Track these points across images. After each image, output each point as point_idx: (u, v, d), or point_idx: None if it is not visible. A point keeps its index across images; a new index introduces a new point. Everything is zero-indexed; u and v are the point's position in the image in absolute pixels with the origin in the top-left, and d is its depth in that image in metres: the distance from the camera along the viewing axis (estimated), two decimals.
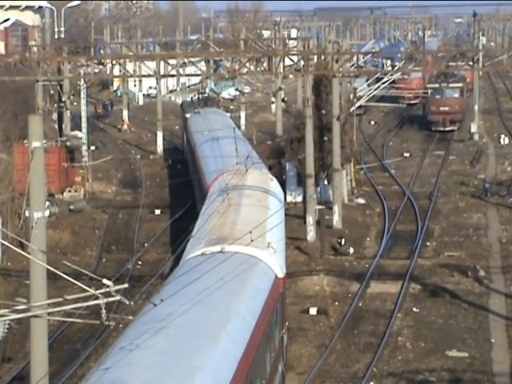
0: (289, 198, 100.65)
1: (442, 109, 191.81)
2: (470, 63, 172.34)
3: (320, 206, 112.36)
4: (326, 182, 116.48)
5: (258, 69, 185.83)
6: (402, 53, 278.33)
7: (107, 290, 44.46)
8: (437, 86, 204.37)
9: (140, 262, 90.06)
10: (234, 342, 39.90)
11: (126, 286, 42.62)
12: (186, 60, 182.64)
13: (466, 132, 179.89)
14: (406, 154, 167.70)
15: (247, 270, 50.04)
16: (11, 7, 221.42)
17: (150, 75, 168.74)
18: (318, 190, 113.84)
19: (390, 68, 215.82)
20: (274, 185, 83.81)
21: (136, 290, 62.53)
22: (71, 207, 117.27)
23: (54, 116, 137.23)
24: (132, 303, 43.32)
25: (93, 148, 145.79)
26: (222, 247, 53.71)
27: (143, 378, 33.24)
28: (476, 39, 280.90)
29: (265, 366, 46.68)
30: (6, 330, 73.78)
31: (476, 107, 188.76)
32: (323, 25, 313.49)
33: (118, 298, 44.04)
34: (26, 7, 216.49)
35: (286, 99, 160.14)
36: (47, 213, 57.80)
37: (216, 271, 48.46)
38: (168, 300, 44.09)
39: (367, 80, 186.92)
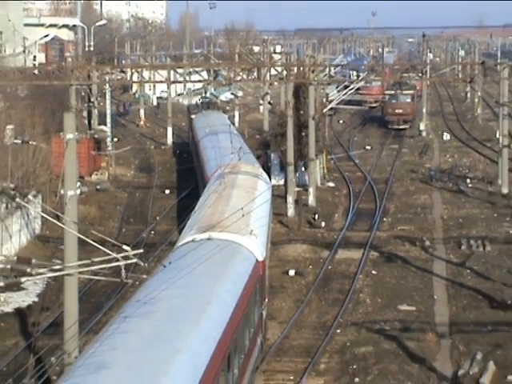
0: (273, 182, 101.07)
1: (396, 111, 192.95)
2: (420, 74, 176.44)
3: (298, 188, 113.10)
4: (303, 169, 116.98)
5: (249, 77, 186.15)
6: (365, 65, 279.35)
7: (126, 254, 44.94)
8: (393, 92, 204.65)
9: (153, 232, 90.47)
10: (214, 324, 39.68)
11: (141, 251, 43.30)
12: (191, 69, 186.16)
13: (415, 130, 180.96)
14: (368, 147, 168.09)
15: (230, 256, 50.27)
16: (51, 25, 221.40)
17: (162, 81, 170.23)
18: (297, 175, 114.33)
19: (355, 77, 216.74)
20: (260, 179, 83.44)
21: (149, 254, 62.67)
22: (98, 187, 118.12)
23: (85, 113, 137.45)
24: (146, 265, 43.94)
25: (115, 140, 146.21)
26: (210, 235, 53.73)
27: (125, 363, 31.82)
28: (424, 55, 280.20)
29: (244, 342, 46.60)
30: (44, 286, 74.06)
31: (424, 110, 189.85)
32: (302, 42, 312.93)
33: (134, 260, 44.54)
34: (63, 25, 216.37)
35: (271, 102, 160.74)
36: (78, 191, 58.18)
37: (202, 257, 48.39)
38: (156, 285, 44.82)
39: (337, 87, 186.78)
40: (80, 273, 55.00)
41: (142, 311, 39.14)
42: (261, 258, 53.99)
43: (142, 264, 44.26)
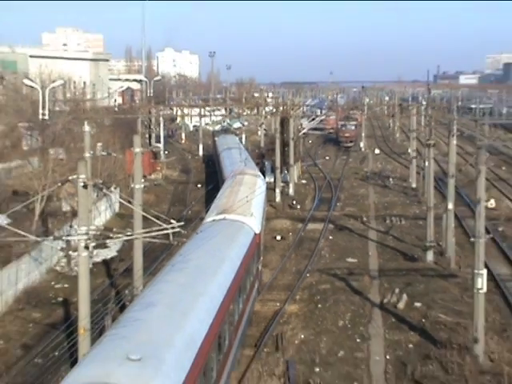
0: (267, 180, 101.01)
1: (345, 134, 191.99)
2: (360, 111, 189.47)
3: (282, 184, 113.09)
4: (285, 171, 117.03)
5: (252, 113, 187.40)
6: (326, 106, 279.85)
7: (172, 225, 44.83)
8: (343, 123, 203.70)
9: (190, 212, 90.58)
10: (226, 275, 40.73)
11: (182, 223, 43.43)
12: (214, 108, 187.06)
13: (357, 147, 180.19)
14: (327, 158, 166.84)
15: (237, 230, 51.32)
16: (126, 79, 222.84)
17: (195, 115, 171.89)
18: (282, 175, 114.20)
19: (319, 113, 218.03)
20: (260, 178, 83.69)
21: (187, 226, 62.25)
22: (155, 183, 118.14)
23: (146, 136, 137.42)
24: (185, 232, 44.04)
25: (166, 152, 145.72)
26: (224, 216, 54.68)
27: (166, 302, 32.68)
28: (363, 99, 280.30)
29: (246, 286, 47.00)
30: (121, 245, 74.09)
31: (363, 134, 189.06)
32: (285, 90, 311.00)
33: (178, 229, 44.45)
34: (133, 80, 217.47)
35: (266, 129, 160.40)
36: (142, 185, 58.43)
37: (219, 231, 49.97)
38: (190, 248, 45.58)
39: (308, 119, 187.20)
40: (143, 237, 55.34)
41: (180, 266, 40.13)
42: (257, 232, 54.83)
43: (183, 232, 44.75)
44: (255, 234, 53.81)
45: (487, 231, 52.12)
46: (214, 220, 54.66)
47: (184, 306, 32.73)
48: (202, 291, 35.94)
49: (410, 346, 52.04)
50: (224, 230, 50.75)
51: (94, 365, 23.94)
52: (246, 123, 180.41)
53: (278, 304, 60.07)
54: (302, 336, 53.56)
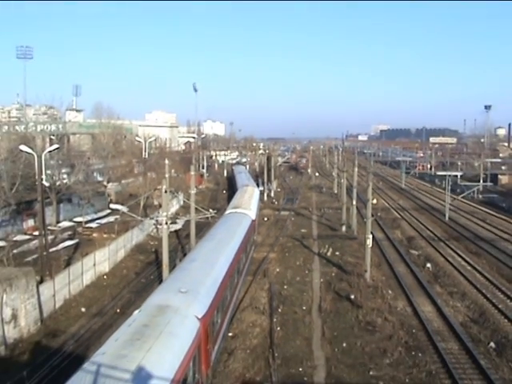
0: (260, 189, 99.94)
1: (301, 165, 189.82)
2: (308, 153, 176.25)
3: (268, 190, 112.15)
4: (270, 184, 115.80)
5: (251, 153, 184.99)
6: (291, 150, 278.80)
7: (211, 213, 44.38)
8: (299, 159, 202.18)
9: (219, 206, 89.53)
10: (235, 244, 39.56)
11: (215, 211, 43.17)
12: (232, 151, 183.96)
13: (307, 173, 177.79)
14: (291, 177, 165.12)
15: (242, 218, 49.94)
16: (187, 137, 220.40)
17: (222, 155, 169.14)
18: (267, 186, 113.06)
19: (287, 154, 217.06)
20: (256, 188, 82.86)
21: (219, 214, 61.59)
22: (200, 189, 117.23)
23: (197, 165, 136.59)
24: (217, 216, 43.70)
25: (207, 174, 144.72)
26: (236, 210, 53.53)
27: (202, 258, 32.63)
28: (309, 147, 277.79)
29: (247, 247, 46.15)
30: (184, 223, 73.32)
31: (310, 165, 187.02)
32: (271, 142, 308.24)
33: (214, 215, 43.96)
34: (191, 137, 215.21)
35: (259, 161, 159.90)
36: (194, 191, 57.95)
37: (232, 219, 49.25)
38: (216, 228, 45.27)
39: (282, 158, 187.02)
40: (196, 219, 55.05)
41: (210, 238, 39.69)
42: (254, 218, 53.90)
43: (215, 216, 44.84)
44: (252, 220, 52.84)
45: (372, 215, 52.13)
46: (230, 212, 53.66)
47: (211, 260, 32.62)
48: (222, 252, 35.42)
49: (333, 274, 52.01)
50: (235, 218, 49.96)
51: (160, 295, 24.99)
52: (249, 159, 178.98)
53: (265, 253, 59.57)
54: (278, 270, 53.40)
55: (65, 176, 78.63)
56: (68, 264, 48.98)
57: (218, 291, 28.16)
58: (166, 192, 42.81)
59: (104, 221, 75.85)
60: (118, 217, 74.65)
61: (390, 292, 46.51)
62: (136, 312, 22.98)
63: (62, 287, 42.14)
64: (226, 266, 33.08)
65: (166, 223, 42.24)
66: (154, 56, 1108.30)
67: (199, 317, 23.38)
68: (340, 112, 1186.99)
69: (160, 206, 57.05)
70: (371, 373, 30.31)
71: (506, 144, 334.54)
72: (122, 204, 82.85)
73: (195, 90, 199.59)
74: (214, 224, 49.60)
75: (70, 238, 63.52)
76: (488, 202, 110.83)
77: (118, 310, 41.25)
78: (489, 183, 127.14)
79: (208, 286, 27.62)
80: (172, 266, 40.59)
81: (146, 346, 18.89)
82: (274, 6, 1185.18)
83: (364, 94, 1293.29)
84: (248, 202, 60.76)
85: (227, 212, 54.51)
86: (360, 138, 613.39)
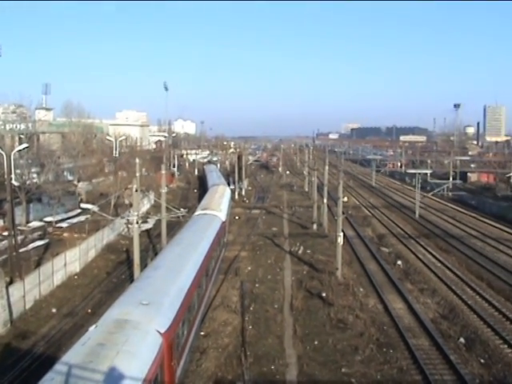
0: (231, 187, 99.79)
1: (272, 163, 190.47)
2: (279, 151, 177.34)
3: (239, 189, 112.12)
4: (240, 183, 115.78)
5: (222, 152, 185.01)
6: (262, 148, 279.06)
7: (182, 212, 44.19)
8: (270, 157, 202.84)
9: (190, 205, 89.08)
10: (205, 246, 38.26)
11: (186, 210, 42.95)
12: (203, 150, 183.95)
13: (277, 171, 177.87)
14: (262, 176, 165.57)
15: (212, 220, 48.58)
16: (157, 135, 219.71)
17: (194, 154, 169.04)
18: (239, 185, 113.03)
19: (258, 152, 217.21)
20: (227, 188, 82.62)
21: (190, 213, 61.35)
22: (172, 188, 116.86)
23: (168, 164, 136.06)
24: (188, 216, 43.44)
25: (178, 173, 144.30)
26: (205, 212, 52.13)
27: (168, 265, 30.79)
28: (280, 145, 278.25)
29: (217, 249, 44.86)
30: (155, 222, 73.12)
31: (280, 163, 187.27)
32: (242, 141, 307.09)
33: (185, 214, 43.85)
34: (162, 136, 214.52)
35: (230, 160, 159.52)
36: (165, 190, 57.76)
37: (202, 222, 47.60)
38: (183, 231, 43.55)
39: (253, 156, 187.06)
40: (166, 218, 54.88)
41: (177, 242, 38.14)
42: (224, 220, 52.54)
43: (186, 215, 44.59)
44: (223, 221, 51.47)
45: (343, 213, 52.28)
46: (199, 214, 52.40)
47: (177, 267, 30.55)
48: (189, 257, 33.40)
49: (304, 272, 52.17)
50: (205, 220, 48.63)
51: (119, 308, 22.82)
52: (219, 158, 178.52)
53: (236, 252, 59.62)
54: (249, 268, 53.44)
55: (34, 175, 78.07)
56: (38, 264, 48.55)
57: (183, 302, 26.29)
58: (136, 191, 42.58)
59: (74, 220, 75.37)
60: (88, 216, 74.28)
61: (361, 289, 46.74)
62: (92, 328, 20.98)
63: (32, 288, 41.70)
64: (194, 274, 31.13)
65: (137, 222, 41.98)
66: (124, 54, 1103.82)
67: (162, 331, 21.51)
68: (311, 110, 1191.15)
69: (131, 205, 56.83)
70: (343, 370, 30.35)
71: (475, 142, 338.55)
72: (93, 203, 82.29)
73: (166, 89, 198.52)
74: (182, 227, 48.73)
75: (40, 238, 63.03)
76: (457, 200, 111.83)
77: (90, 311, 40.98)
78: (458, 181, 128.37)
79: (173, 297, 25.76)
80: (143, 266, 40.33)
81: (100, 369, 16.82)
82: (243, 3, 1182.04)
83: (335, 93, 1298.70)
84: (218, 203, 59.76)
85: (196, 213, 53.40)
86: (331, 136, 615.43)
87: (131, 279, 43.25)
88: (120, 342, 19.07)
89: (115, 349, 18.40)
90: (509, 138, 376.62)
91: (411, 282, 50.58)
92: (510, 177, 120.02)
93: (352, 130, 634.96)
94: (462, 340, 35.26)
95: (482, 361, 32.05)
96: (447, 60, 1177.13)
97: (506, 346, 34.35)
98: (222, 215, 53.42)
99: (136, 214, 42.04)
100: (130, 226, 61.78)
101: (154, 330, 21.19)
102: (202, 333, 34.52)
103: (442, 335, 36.13)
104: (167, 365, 21.78)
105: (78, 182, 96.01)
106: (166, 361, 21.45)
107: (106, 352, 18.04)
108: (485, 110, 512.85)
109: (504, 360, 32.10)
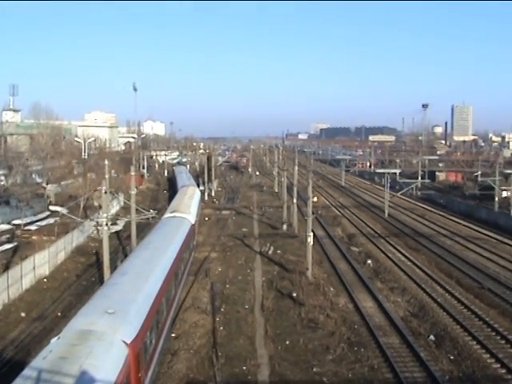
0: (201, 188, 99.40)
1: (241, 164, 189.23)
2: (248, 152, 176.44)
3: (208, 190, 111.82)
4: (210, 184, 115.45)
5: (192, 153, 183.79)
6: (231, 149, 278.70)
7: (152, 213, 43.86)
8: (240, 158, 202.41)
9: (160, 206, 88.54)
10: (174, 248, 37.36)
11: (156, 211, 42.56)
12: (172, 151, 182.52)
13: (247, 171, 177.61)
14: (231, 176, 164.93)
15: (181, 223, 47.72)
16: (127, 137, 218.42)
17: (164, 155, 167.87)
18: (208, 186, 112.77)
19: (227, 153, 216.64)
20: (196, 189, 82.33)
21: (159, 214, 61.16)
22: (141, 189, 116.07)
23: (137, 165, 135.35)
24: (158, 217, 43.12)
25: (147, 174, 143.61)
26: (174, 214, 51.40)
27: (135, 270, 29.30)
28: (250, 146, 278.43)
29: (187, 251, 43.70)
30: (124, 223, 72.66)
31: (250, 164, 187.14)
32: (212, 141, 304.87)
33: (154, 215, 43.55)
34: (131, 137, 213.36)
35: (199, 160, 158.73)
36: (135, 192, 57.48)
37: (170, 225, 46.62)
38: (152, 235, 42.49)
39: (223, 157, 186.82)
40: (136, 219, 54.59)
41: (145, 247, 36.92)
42: (193, 222, 51.73)
43: (156, 217, 44.25)
44: (192, 224, 50.76)
45: (313, 213, 52.47)
46: (168, 216, 51.67)
47: (145, 273, 28.96)
48: (157, 262, 31.96)
49: (275, 272, 52.24)
50: (173, 223, 47.86)
51: (83, 318, 21.53)
52: (189, 159, 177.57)
53: (206, 253, 59.55)
54: (220, 269, 53.37)
55: (2, 178, 77.40)
56: (6, 268, 47.95)
57: (151, 309, 25.12)
58: (106, 193, 42.32)
59: (43, 223, 74.67)
60: (57, 219, 73.62)
61: (331, 289, 46.90)
62: (54, 340, 19.69)
63: (0, 292, 41.28)
64: (162, 279, 29.80)
65: (107, 224, 41.78)
66: (92, 55, 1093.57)
67: (128, 342, 20.36)
68: (280, 111, 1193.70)
69: (100, 207, 56.46)
70: (314, 369, 30.42)
71: (443, 142, 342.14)
72: (62, 206, 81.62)
73: (135, 90, 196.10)
74: (151, 230, 48.13)
75: (9, 241, 62.29)
76: (426, 199, 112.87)
77: (59, 314, 40.58)
78: (427, 180, 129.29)
79: (140, 304, 24.49)
80: (113, 268, 40.07)
81: None
82: (211, 4, 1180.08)
83: (304, 93, 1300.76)
84: (187, 205, 59.25)
85: (165, 216, 52.78)
86: (300, 136, 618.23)
87: (101, 281, 42.97)
88: (83, 354, 18.06)
89: (78, 362, 17.37)
90: (476, 137, 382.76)
91: (381, 280, 50.97)
92: (477, 176, 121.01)
93: (321, 130, 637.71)
94: (431, 337, 35.64)
95: (452, 357, 32.43)
96: (415, 60, 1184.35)
97: (474, 343, 34.73)
98: (191, 217, 52.85)
99: (105, 215, 41.83)
100: (99, 228, 61.24)
101: (119, 341, 20.16)
102: (173, 334, 34.41)
103: (412, 333, 36.46)
104: (134, 377, 20.86)
105: (47, 184, 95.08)
106: (132, 372, 20.54)
107: (68, 366, 17.04)
108: (452, 109, 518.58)
109: (473, 356, 32.46)
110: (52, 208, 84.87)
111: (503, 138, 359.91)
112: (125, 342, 20.22)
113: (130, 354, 20.08)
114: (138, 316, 23.11)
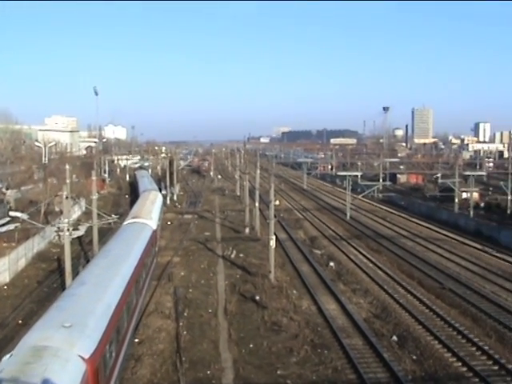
0: (163, 193, 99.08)
1: (203, 168, 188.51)
2: (210, 156, 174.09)
3: (170, 194, 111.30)
4: (172, 188, 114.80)
5: (154, 157, 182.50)
6: (193, 153, 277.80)
7: (114, 218, 43.38)
8: (202, 162, 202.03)
9: (122, 211, 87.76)
10: (136, 255, 36.30)
11: (118, 216, 41.91)
12: (134, 155, 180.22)
13: (209, 175, 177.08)
14: (193, 180, 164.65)
15: (142, 229, 46.41)
16: (88, 141, 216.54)
17: (125, 159, 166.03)
18: (170, 190, 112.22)
19: (189, 157, 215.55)
20: (158, 193, 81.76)
21: (121, 218, 60.79)
22: (103, 194, 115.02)
23: (99, 170, 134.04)
24: (120, 223, 42.63)
25: (109, 179, 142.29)
26: (135, 220, 50.12)
27: (94, 280, 27.85)
28: (212, 149, 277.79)
29: (149, 257, 42.40)
30: (86, 228, 71.85)
31: (212, 168, 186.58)
32: (173, 145, 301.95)
33: (116, 220, 43.10)
34: (92, 141, 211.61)
35: (161, 165, 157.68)
36: (96, 196, 56.94)
37: (131, 231, 45.43)
38: (112, 242, 41.34)
39: (185, 161, 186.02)
40: (98, 224, 54.13)
41: (105, 255, 35.43)
42: (155, 228, 50.32)
43: (118, 222, 43.77)
44: (153, 230, 49.55)
45: (275, 216, 52.59)
46: (129, 223, 50.19)
47: (104, 283, 27.61)
48: (117, 271, 30.64)
49: (237, 276, 52.20)
50: (134, 229, 46.58)
51: (38, 332, 20.13)
52: (151, 163, 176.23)
53: (169, 257, 59.28)
54: (182, 273, 53.19)
55: None
56: None
57: (111, 320, 23.82)
58: (67, 198, 42.00)
59: (3, 229, 73.54)
60: (18, 224, 72.58)
61: (294, 292, 47.02)
62: (5, 358, 18.32)
63: None
64: (122, 289, 28.40)
65: (68, 230, 41.39)
66: (52, 58, 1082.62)
67: (86, 357, 19.12)
68: (242, 115, 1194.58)
69: (61, 212, 55.94)
70: (279, 372, 30.50)
71: (404, 144, 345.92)
72: (22, 211, 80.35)
73: (96, 94, 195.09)
74: (112, 237, 47.01)
75: None
76: (387, 201, 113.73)
77: (21, 321, 40.09)
78: (388, 182, 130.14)
79: (99, 316, 23.19)
80: (75, 274, 39.65)
81: None
82: (171, 5, 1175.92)
83: (266, 97, 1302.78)
84: (149, 210, 57.99)
85: (126, 222, 51.44)
86: (262, 140, 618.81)
87: (63, 288, 42.51)
88: (37, 373, 16.84)
89: (30, 382, 16.32)
90: (436, 139, 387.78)
91: (344, 282, 51.22)
92: (437, 178, 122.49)
93: (283, 133, 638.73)
94: (394, 338, 35.97)
95: (414, 357, 32.75)
96: (376, 63, 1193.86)
97: (436, 342, 35.14)
98: (153, 223, 51.92)
99: (67, 221, 41.46)
100: (60, 233, 60.72)
101: (76, 357, 18.93)
102: (137, 340, 34.19)
103: (375, 334, 36.73)
104: None
105: (7, 189, 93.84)
106: None
107: None
108: (413, 112, 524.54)
109: (435, 355, 32.82)
110: (12, 214, 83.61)
111: (462, 140, 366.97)
112: (82, 358, 19.10)
113: (88, 370, 19.02)
114: (96, 329, 21.95)
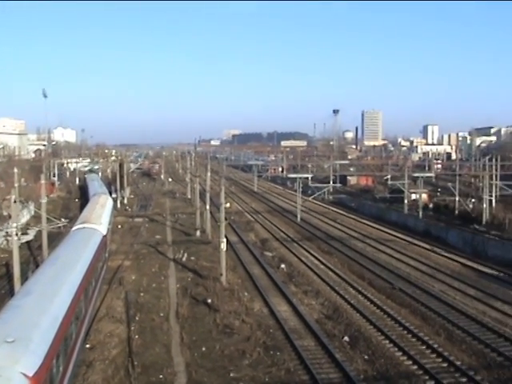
0: (113, 196, 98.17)
1: (153, 171, 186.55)
2: (161, 159, 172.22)
3: (121, 198, 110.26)
4: (122, 191, 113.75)
5: (104, 160, 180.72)
6: (143, 156, 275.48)
7: (64, 220, 42.73)
8: (152, 165, 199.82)
9: (71, 215, 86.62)
10: (85, 261, 35.01)
11: (68, 220, 41.41)
12: (84, 158, 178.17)
13: (160, 178, 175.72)
14: (144, 183, 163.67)
15: (92, 234, 45.07)
16: (37, 144, 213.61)
17: (75, 162, 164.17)
18: (120, 193, 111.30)
19: (140, 160, 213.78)
20: (108, 197, 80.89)
21: (71, 222, 60.11)
22: (52, 198, 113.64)
23: (48, 174, 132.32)
24: (70, 227, 41.95)
25: (58, 183, 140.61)
26: (84, 225, 48.42)
27: (39, 290, 25.81)
28: (162, 152, 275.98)
29: (99, 263, 41.36)
30: (35, 233, 70.87)
31: (163, 171, 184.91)
32: (124, 148, 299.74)
33: (66, 224, 42.41)
34: (41, 144, 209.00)
35: (111, 168, 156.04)
36: (45, 200, 56.22)
37: (80, 237, 43.87)
38: (60, 249, 39.64)
39: (135, 163, 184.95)
40: (47, 228, 53.43)
41: (51, 262, 33.78)
42: (104, 233, 48.95)
43: (68, 226, 43.11)
44: (103, 235, 48.19)
45: (225, 219, 52.59)
46: (77, 228, 48.53)
47: (51, 292, 25.84)
48: (65, 280, 28.91)
49: (189, 279, 52.01)
50: (83, 235, 45.12)
51: None
52: (101, 166, 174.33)
53: (120, 261, 58.72)
54: (133, 277, 52.77)
55: None
56: None
57: (58, 333, 22.17)
58: (15, 202, 41.35)
59: None
60: None
61: (246, 294, 47.04)
62: None
63: None
64: (70, 298, 26.80)
65: (17, 234, 40.69)
66: None
67: (30, 374, 17.36)
68: (192, 117, 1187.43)
69: (10, 216, 55.01)
70: (231, 374, 30.50)
71: (354, 146, 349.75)
72: None
73: (45, 96, 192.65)
74: (59, 244, 44.97)
75: None
76: (338, 203, 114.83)
77: None
78: (338, 184, 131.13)
79: (44, 329, 21.44)
80: (24, 279, 39.05)
81: None
82: (125, 5, 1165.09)
83: (216, 100, 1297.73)
84: (99, 215, 56.46)
85: (74, 228, 49.83)
86: (213, 142, 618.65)
87: (12, 294, 41.80)
88: None
89: None
90: (386, 142, 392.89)
91: (295, 284, 51.47)
92: (387, 179, 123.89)
93: (233, 136, 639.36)
94: (346, 338, 36.25)
95: (366, 357, 33.07)
96: (326, 66, 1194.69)
97: (387, 342, 35.64)
98: (103, 228, 50.75)
99: (15, 225, 40.78)
100: (9, 238, 59.70)
101: (19, 374, 17.11)
102: (88, 345, 33.81)
103: (327, 335, 36.94)
104: None
105: None
106: None
107: None
108: (363, 115, 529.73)
109: (386, 355, 33.27)
110: None
111: (411, 142, 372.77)
112: (25, 375, 17.28)
113: None
114: (42, 343, 20.27)
